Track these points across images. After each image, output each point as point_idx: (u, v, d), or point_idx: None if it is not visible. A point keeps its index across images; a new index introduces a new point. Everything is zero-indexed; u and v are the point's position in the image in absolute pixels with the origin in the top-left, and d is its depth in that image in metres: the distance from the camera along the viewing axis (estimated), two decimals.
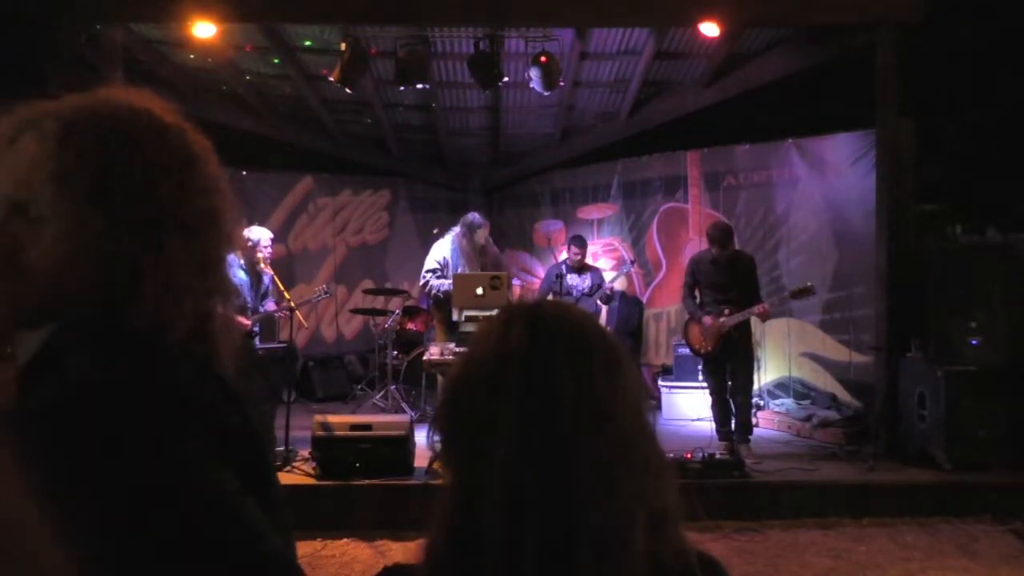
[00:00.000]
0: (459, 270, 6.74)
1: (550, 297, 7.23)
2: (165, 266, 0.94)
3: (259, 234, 6.23)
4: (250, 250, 6.15)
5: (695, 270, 6.46)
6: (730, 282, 6.26)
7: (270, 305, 6.32)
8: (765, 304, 6.19)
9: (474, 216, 7.07)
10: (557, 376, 0.87)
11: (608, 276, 7.84)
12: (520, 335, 0.89)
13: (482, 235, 6.91)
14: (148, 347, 0.92)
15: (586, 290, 7.39)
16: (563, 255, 7.81)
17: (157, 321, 0.93)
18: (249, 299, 6.21)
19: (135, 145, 0.94)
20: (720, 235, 6.23)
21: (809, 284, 6.29)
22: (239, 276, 6.15)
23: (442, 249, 6.98)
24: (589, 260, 7.93)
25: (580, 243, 7.62)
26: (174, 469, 0.86)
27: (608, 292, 7.50)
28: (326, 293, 6.96)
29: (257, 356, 6.42)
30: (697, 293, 6.46)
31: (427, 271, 7.03)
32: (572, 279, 7.43)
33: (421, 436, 6.34)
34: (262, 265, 6.19)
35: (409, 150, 10.37)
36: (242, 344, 1.16)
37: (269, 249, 6.25)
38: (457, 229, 7.04)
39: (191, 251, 0.96)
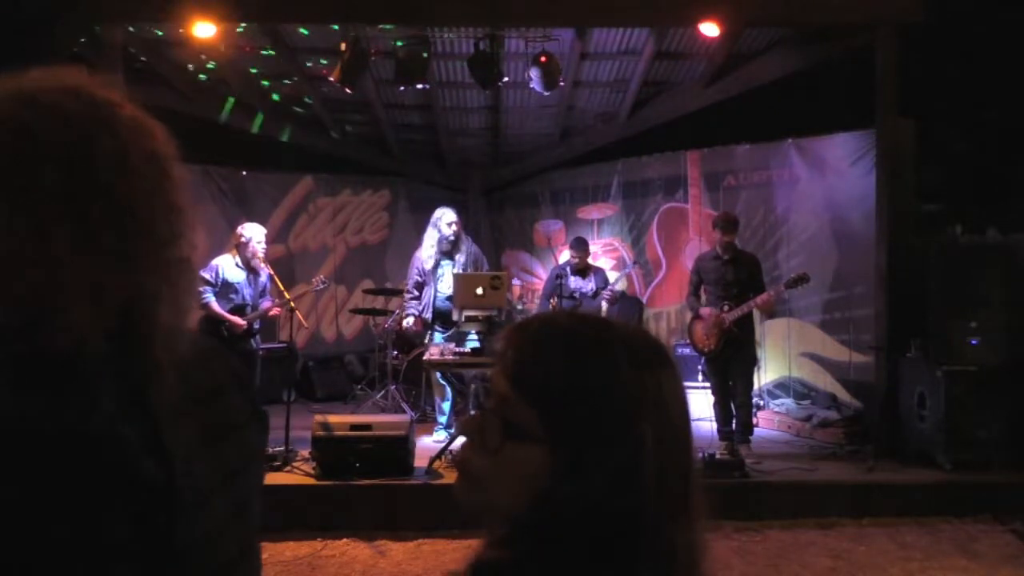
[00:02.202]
0: (434, 268, 6.67)
1: (553, 300, 7.22)
2: (57, 261, 0.79)
3: (252, 231, 6.23)
4: (243, 247, 6.17)
5: (700, 268, 6.52)
6: (734, 280, 6.30)
7: (265, 303, 6.32)
8: (767, 294, 6.21)
9: (438, 209, 6.88)
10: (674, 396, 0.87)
11: (611, 276, 7.78)
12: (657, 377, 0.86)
13: (444, 226, 6.67)
14: (55, 372, 0.78)
15: (590, 292, 7.28)
16: (564, 256, 7.75)
17: (64, 333, 0.78)
18: (248, 297, 6.22)
19: (28, 127, 0.81)
20: (723, 221, 6.38)
21: (803, 272, 6.31)
22: (236, 274, 6.17)
23: (421, 254, 6.82)
24: (589, 260, 7.86)
25: (581, 246, 7.39)
26: (44, 547, 0.75)
27: (611, 294, 7.39)
28: (324, 284, 6.92)
29: (257, 356, 6.46)
30: (703, 293, 6.51)
31: (409, 285, 6.83)
32: (575, 282, 7.31)
33: (421, 436, 6.35)
34: (257, 262, 6.20)
35: (409, 150, 10.37)
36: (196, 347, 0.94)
37: (263, 246, 6.24)
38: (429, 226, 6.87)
39: (100, 243, 0.81)
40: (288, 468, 5.63)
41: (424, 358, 6.11)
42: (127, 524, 0.79)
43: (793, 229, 7.77)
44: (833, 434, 6.66)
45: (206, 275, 6.09)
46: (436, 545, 4.99)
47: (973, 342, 5.84)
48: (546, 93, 7.33)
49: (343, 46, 6.77)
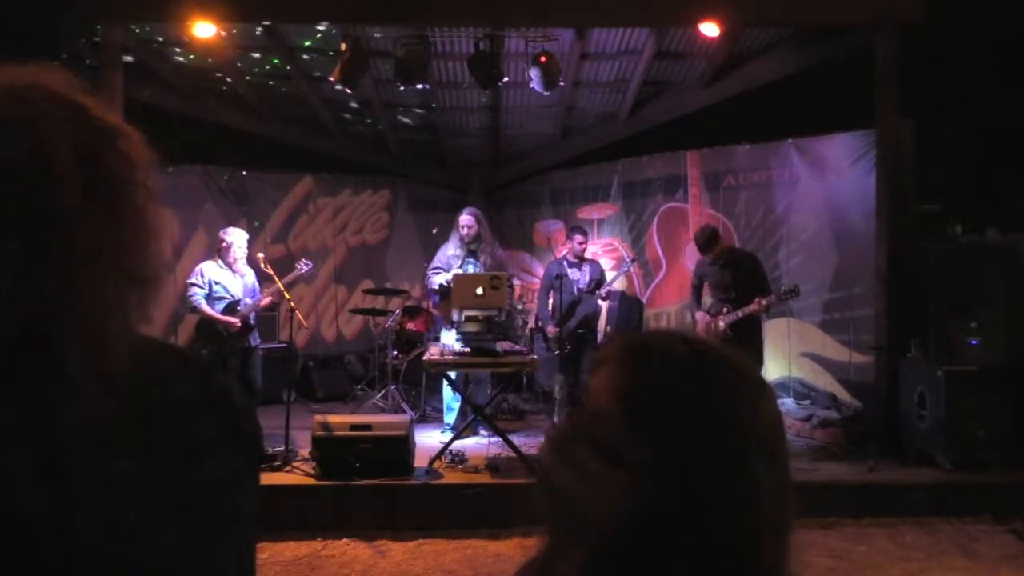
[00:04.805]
0: (460, 266, 6.80)
1: (551, 296, 7.23)
2: None
3: (234, 236, 6.35)
4: (225, 251, 6.29)
5: (701, 272, 6.54)
6: (732, 282, 6.29)
7: (257, 298, 6.40)
8: (756, 303, 6.18)
9: (462, 210, 7.16)
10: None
11: (608, 275, 7.78)
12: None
13: (460, 225, 6.87)
14: None
15: (586, 287, 7.34)
16: (564, 251, 7.71)
17: None
18: (240, 295, 6.29)
19: None
20: (701, 239, 6.38)
21: (795, 285, 6.36)
22: (221, 275, 6.29)
23: (447, 250, 7.01)
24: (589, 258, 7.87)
25: (583, 231, 7.54)
26: None
27: (608, 292, 7.46)
28: (308, 265, 6.89)
29: (257, 352, 6.48)
30: (705, 295, 6.52)
31: (430, 267, 7.06)
32: (573, 274, 7.35)
33: (421, 436, 6.35)
34: (239, 266, 6.32)
35: (409, 150, 10.37)
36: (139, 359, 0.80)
37: (245, 251, 6.36)
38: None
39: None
40: (288, 468, 5.63)
41: (424, 358, 6.11)
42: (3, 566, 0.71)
43: (793, 229, 7.77)
44: (833, 434, 6.65)
45: (193, 280, 6.26)
46: (436, 545, 4.99)
47: (973, 342, 5.83)
48: (546, 93, 7.33)
49: (343, 46, 6.77)
